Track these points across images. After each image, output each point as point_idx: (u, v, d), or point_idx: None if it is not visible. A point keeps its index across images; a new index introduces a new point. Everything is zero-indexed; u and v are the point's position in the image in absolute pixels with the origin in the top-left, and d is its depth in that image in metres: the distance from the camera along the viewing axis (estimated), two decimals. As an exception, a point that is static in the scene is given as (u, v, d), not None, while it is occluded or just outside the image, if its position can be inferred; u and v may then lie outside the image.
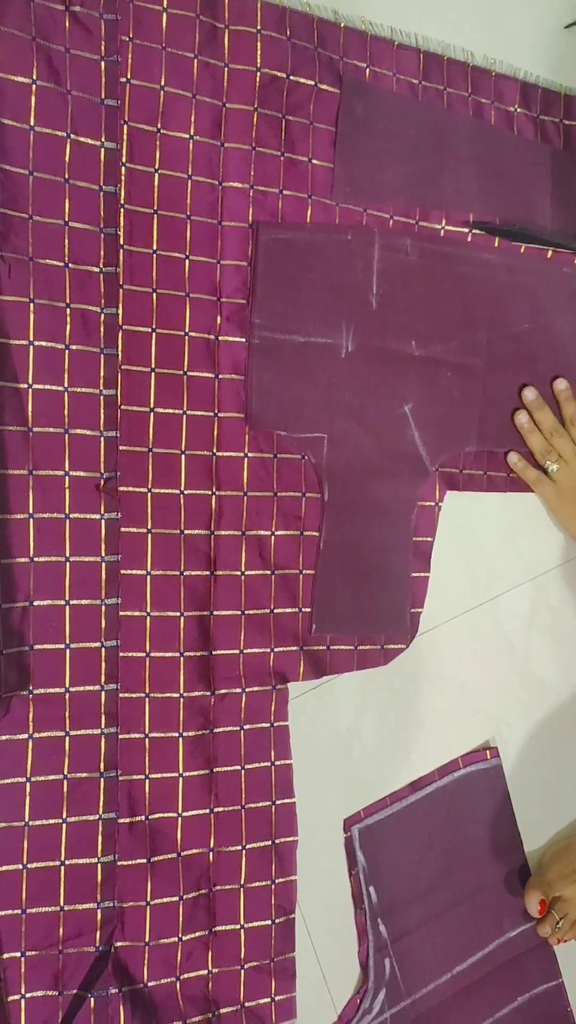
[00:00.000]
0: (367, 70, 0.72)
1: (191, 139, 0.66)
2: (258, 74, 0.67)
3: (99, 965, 0.63)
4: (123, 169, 0.64)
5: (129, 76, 0.64)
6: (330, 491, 0.72)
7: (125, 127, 0.64)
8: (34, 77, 0.61)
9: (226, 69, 0.66)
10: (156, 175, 0.65)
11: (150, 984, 0.65)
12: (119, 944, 0.64)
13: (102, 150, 0.64)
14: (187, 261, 0.67)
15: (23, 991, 0.61)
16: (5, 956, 0.61)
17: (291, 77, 0.68)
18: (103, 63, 0.63)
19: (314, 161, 0.70)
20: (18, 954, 0.61)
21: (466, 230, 0.75)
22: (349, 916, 0.74)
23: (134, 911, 0.65)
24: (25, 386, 0.62)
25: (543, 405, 0.79)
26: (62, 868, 0.63)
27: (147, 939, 0.65)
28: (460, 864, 0.78)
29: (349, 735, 0.75)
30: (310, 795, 0.72)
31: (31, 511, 0.62)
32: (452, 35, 0.75)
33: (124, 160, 0.64)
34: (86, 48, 0.63)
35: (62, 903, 0.63)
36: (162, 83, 0.65)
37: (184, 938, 0.66)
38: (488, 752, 0.80)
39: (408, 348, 0.74)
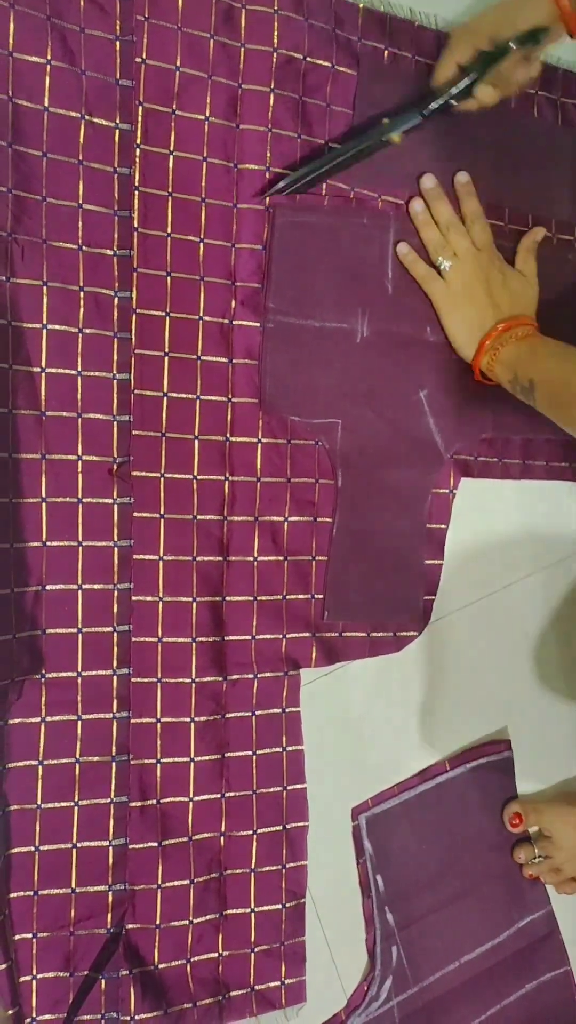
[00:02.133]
0: (385, 52, 0.71)
1: (206, 120, 0.65)
2: (275, 55, 0.66)
3: (110, 947, 0.64)
4: (138, 151, 0.63)
5: (144, 56, 0.63)
6: (344, 477, 0.71)
7: (140, 108, 0.63)
8: (48, 57, 0.60)
9: (242, 49, 0.66)
10: (171, 157, 0.65)
11: (161, 966, 0.65)
12: (130, 926, 0.64)
13: (116, 131, 0.63)
14: (201, 244, 0.66)
15: (34, 972, 0.62)
16: (17, 937, 0.61)
17: (308, 58, 0.67)
18: (118, 43, 0.62)
19: (331, 144, 0.69)
20: (30, 935, 0.62)
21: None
22: (359, 902, 0.74)
23: (145, 894, 0.65)
24: (38, 370, 0.62)
25: (441, 195, 0.72)
26: (74, 850, 0.63)
27: (158, 922, 0.65)
28: (468, 854, 0.78)
29: (360, 722, 0.75)
30: (319, 781, 0.72)
31: (44, 495, 0.62)
32: (472, 16, 0.74)
33: (139, 141, 0.63)
34: (101, 28, 0.62)
35: (74, 885, 0.63)
36: (177, 63, 0.64)
37: (195, 921, 0.66)
38: (500, 744, 0.80)
39: (423, 334, 0.73)
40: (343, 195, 0.70)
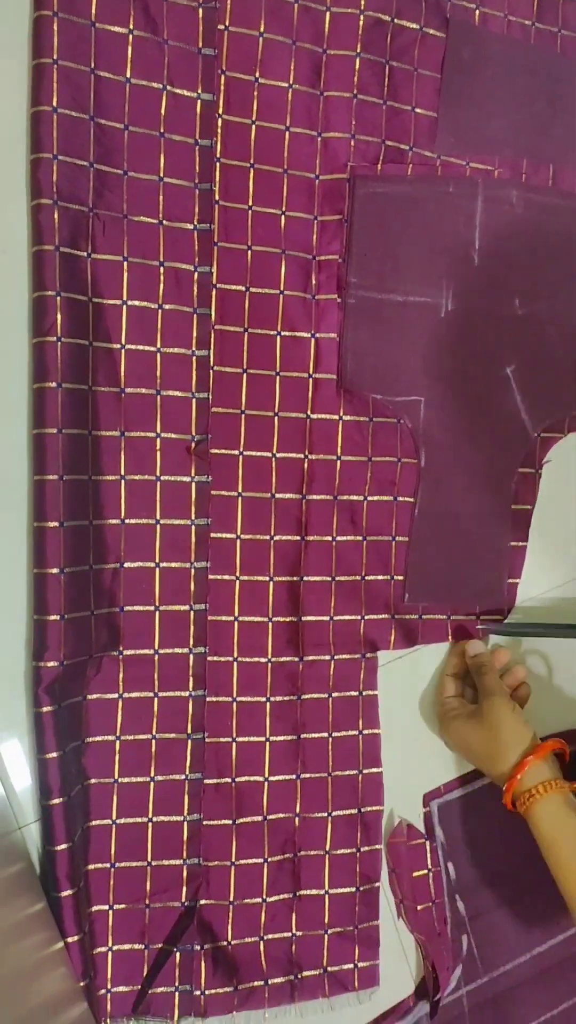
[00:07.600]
0: (476, 12, 0.68)
1: (290, 88, 0.64)
2: (361, 17, 0.64)
3: (185, 920, 0.64)
4: (219, 121, 0.62)
5: (227, 23, 0.62)
6: (427, 456, 0.70)
7: (222, 77, 0.62)
8: (131, 27, 0.59)
9: (328, 13, 0.64)
10: (253, 127, 0.63)
11: (233, 943, 0.65)
12: (204, 902, 0.65)
13: (198, 102, 0.62)
14: (283, 217, 0.65)
15: (110, 944, 0.62)
16: (94, 909, 0.62)
17: (396, 20, 0.65)
18: (201, 10, 0.61)
19: (417, 110, 0.67)
20: (106, 907, 0.62)
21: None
22: (432, 888, 0.73)
23: (219, 870, 0.65)
24: (118, 346, 0.61)
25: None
26: (150, 824, 0.64)
27: (231, 898, 0.65)
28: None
29: (433, 706, 0.73)
30: (390, 765, 0.71)
31: (123, 473, 0.62)
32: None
33: (220, 112, 0.62)
34: None
35: (150, 858, 0.64)
36: (261, 30, 0.62)
37: (268, 899, 0.66)
38: (573, 732, 0.77)
39: (511, 307, 0.70)
40: (428, 163, 0.68)
